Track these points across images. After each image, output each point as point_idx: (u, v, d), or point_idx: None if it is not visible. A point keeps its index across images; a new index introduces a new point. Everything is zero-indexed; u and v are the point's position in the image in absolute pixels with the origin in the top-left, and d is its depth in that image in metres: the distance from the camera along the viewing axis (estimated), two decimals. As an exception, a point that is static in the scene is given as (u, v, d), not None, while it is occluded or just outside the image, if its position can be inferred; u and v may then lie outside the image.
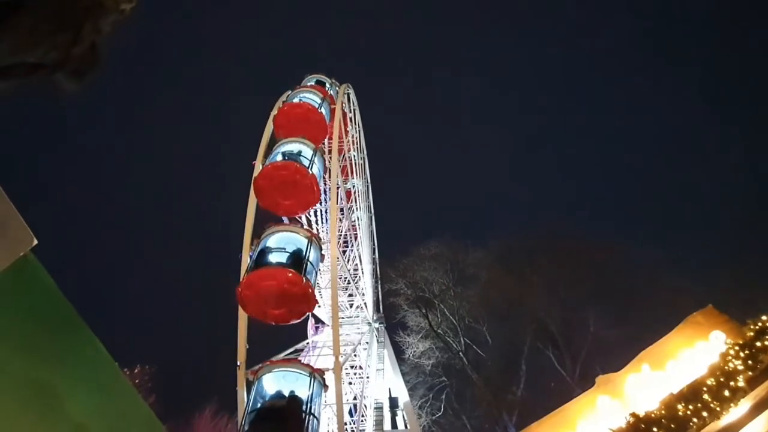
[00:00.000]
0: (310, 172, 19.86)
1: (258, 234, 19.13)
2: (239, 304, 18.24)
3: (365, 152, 38.05)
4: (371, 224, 39.06)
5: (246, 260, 18.73)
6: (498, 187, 69.91)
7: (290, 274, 17.09)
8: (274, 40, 79.09)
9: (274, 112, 23.23)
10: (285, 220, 21.33)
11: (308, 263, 17.70)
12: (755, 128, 54.17)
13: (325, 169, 22.32)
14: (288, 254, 17.73)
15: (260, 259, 17.76)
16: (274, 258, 17.73)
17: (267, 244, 18.31)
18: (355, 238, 32.36)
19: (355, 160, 32.85)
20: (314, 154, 20.60)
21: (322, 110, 23.60)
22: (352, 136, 32.40)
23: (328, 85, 26.95)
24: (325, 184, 23.87)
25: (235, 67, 75.55)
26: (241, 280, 17.80)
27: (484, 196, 69.31)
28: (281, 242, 18.26)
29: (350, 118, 31.83)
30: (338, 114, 25.46)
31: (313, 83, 26.61)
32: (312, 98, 24.19)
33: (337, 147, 24.37)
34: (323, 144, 23.90)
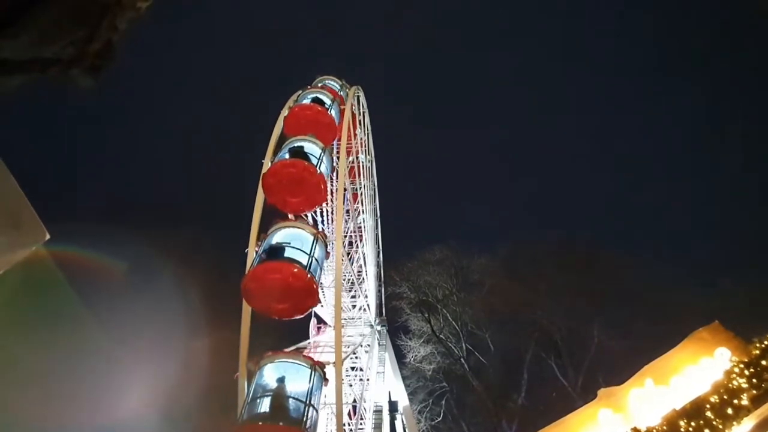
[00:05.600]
0: (318, 171, 19.87)
1: (265, 230, 19.30)
2: (244, 297, 18.39)
3: (373, 156, 38.07)
4: (377, 227, 39.07)
5: (252, 255, 18.89)
6: (505, 192, 69.51)
7: (295, 269, 17.25)
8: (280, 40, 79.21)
9: (285, 112, 23.18)
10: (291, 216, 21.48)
11: (313, 259, 17.86)
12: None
13: (333, 169, 22.35)
14: (294, 249, 17.91)
15: (266, 254, 17.98)
16: (279, 252, 17.92)
17: (274, 240, 18.46)
18: (360, 240, 32.35)
19: (363, 162, 32.88)
20: (323, 153, 20.61)
21: (332, 112, 23.57)
22: (361, 139, 32.45)
23: (338, 87, 26.84)
24: (332, 184, 23.94)
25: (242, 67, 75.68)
26: (246, 273, 17.98)
27: (491, 201, 68.85)
28: (287, 238, 18.41)
29: (359, 121, 31.92)
30: (347, 115, 25.54)
31: (323, 85, 26.61)
32: (323, 98, 24.21)
33: (345, 148, 24.40)
34: (332, 145, 23.97)
